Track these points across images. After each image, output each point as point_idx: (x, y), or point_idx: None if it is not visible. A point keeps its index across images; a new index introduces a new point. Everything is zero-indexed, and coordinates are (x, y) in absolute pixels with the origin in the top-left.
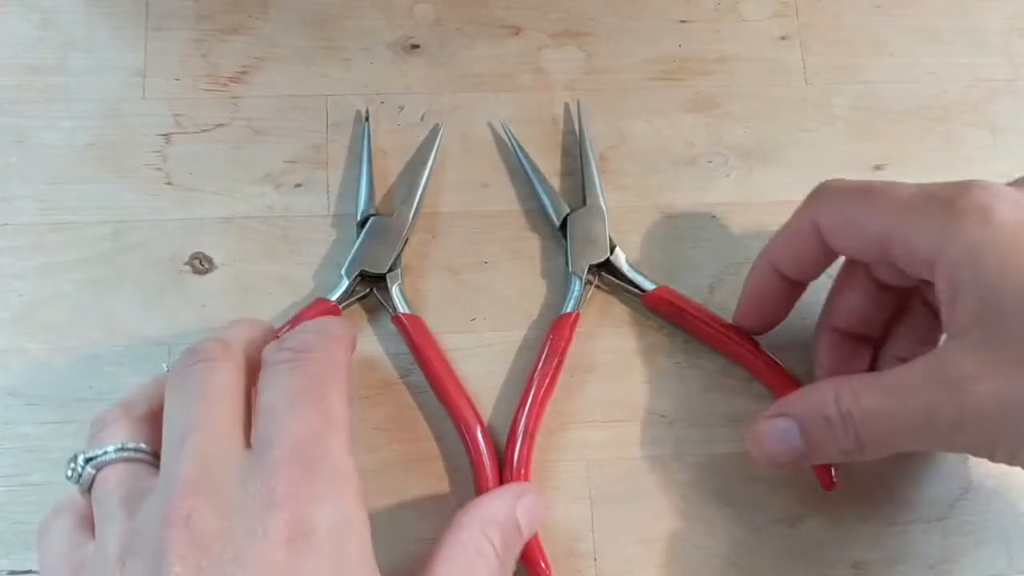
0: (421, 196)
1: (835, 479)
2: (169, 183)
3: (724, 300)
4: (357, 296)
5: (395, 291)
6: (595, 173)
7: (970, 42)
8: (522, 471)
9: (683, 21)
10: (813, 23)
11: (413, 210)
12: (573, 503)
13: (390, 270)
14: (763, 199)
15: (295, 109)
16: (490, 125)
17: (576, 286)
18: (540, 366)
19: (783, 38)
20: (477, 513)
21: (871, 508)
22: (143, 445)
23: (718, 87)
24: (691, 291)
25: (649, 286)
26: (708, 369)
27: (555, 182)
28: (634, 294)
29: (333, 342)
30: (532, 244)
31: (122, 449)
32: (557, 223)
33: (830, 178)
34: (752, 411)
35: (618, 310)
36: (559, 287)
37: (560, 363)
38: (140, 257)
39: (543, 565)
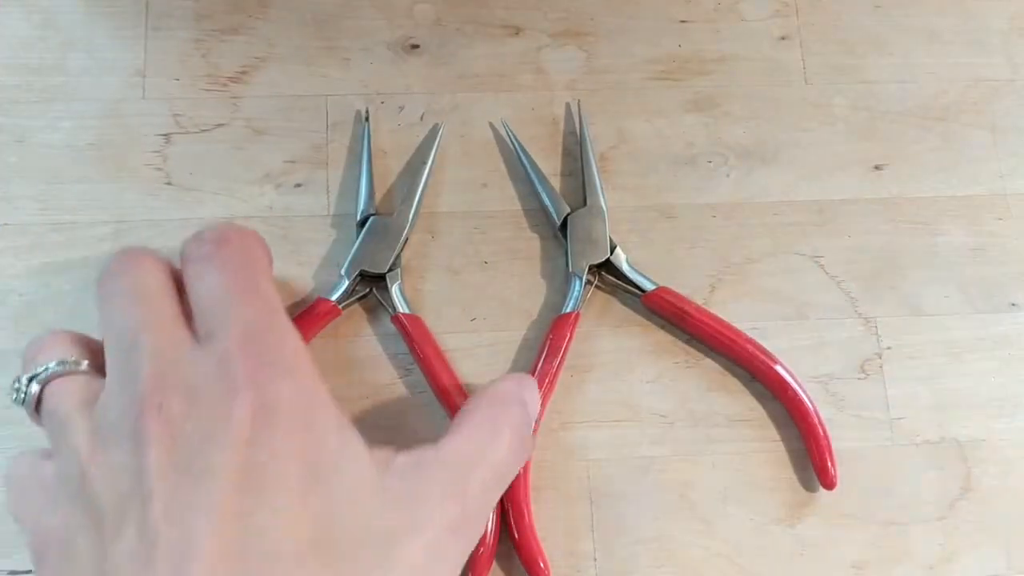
0: (421, 196)
1: (835, 478)
2: (169, 183)
3: (724, 300)
4: (357, 296)
5: (395, 291)
6: (595, 173)
7: (970, 42)
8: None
9: (683, 21)
10: (813, 23)
11: (413, 210)
12: (573, 503)
13: (390, 270)
14: (763, 199)
15: (295, 109)
16: (491, 125)
17: (576, 286)
18: (540, 366)
19: (783, 38)
20: (487, 395)
21: (871, 508)
22: (84, 360)
23: (718, 87)
24: (691, 291)
25: (649, 286)
26: (708, 369)
27: (555, 182)
28: (634, 294)
29: (248, 235)
30: (532, 244)
31: (63, 363)
32: (558, 223)
33: (830, 178)
34: (752, 411)
35: (618, 310)
36: (559, 287)
37: (560, 363)
38: None
39: (542, 565)
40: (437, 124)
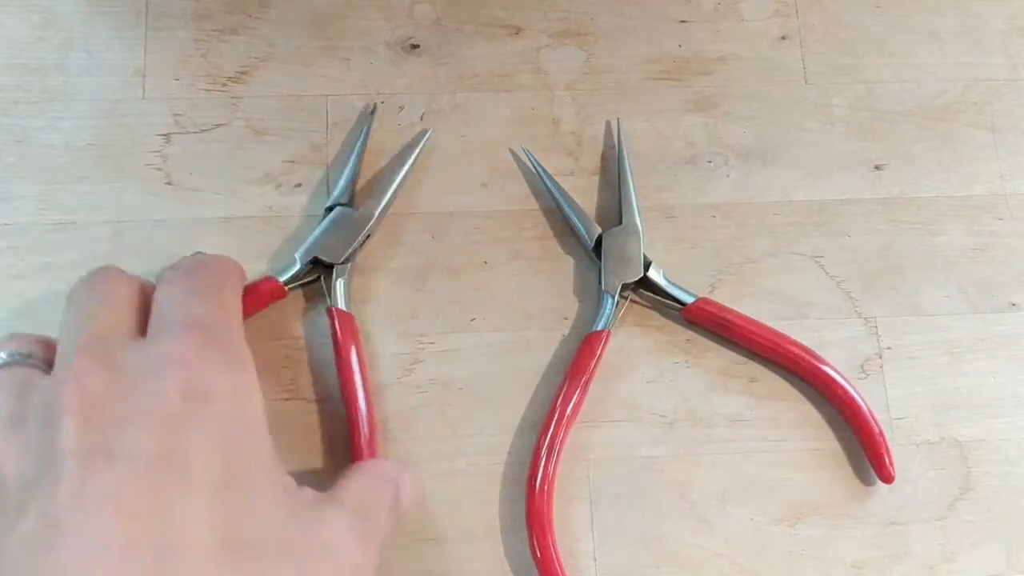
0: (392, 196)
1: (894, 472)
2: (169, 183)
3: (724, 300)
4: (306, 281)
5: (339, 284)
6: (632, 191)
7: (970, 42)
8: (546, 487)
9: (683, 21)
10: (813, 23)
11: (380, 207)
12: (573, 503)
13: (343, 262)
14: (763, 199)
15: (295, 109)
16: (512, 152)
17: (608, 304)
18: (565, 389)
19: (783, 38)
20: (367, 466)
21: (871, 508)
22: (37, 352)
23: (718, 87)
24: (691, 291)
25: (688, 299)
26: (709, 369)
27: (557, 182)
28: (674, 308)
29: (222, 257)
30: (532, 244)
31: (14, 355)
32: (590, 244)
33: (830, 178)
34: (752, 411)
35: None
36: (559, 287)
37: (588, 381)
38: (140, 257)
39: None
40: (426, 129)
